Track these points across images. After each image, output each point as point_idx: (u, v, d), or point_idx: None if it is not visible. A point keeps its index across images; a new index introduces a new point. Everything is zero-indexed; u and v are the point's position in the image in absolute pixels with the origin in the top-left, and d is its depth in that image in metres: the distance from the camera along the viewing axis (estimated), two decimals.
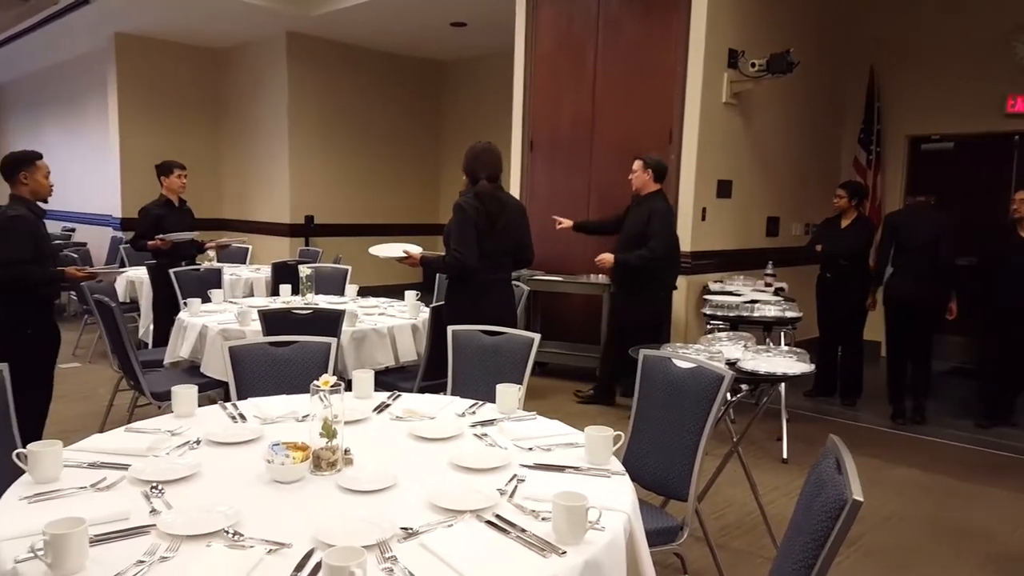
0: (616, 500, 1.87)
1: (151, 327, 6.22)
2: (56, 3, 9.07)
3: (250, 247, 8.43)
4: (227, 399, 2.87)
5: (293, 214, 10.34)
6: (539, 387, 5.92)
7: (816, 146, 7.62)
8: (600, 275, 6.02)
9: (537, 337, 3.29)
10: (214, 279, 5.89)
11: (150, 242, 5.80)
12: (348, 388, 2.39)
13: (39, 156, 3.90)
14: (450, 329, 3.43)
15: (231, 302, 5.17)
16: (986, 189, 7.21)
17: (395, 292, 5.68)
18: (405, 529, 1.66)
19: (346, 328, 4.14)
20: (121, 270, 5.42)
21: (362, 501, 1.85)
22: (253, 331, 4.12)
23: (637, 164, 5.45)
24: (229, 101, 11.15)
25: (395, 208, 11.32)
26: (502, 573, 1.52)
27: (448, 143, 11.53)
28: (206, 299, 5.04)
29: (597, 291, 6.19)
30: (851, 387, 5.89)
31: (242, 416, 2.53)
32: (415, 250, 4.21)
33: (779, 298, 5.56)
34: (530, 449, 2.25)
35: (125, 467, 2.00)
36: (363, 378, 2.81)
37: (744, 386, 3.72)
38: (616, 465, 2.12)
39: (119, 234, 10.12)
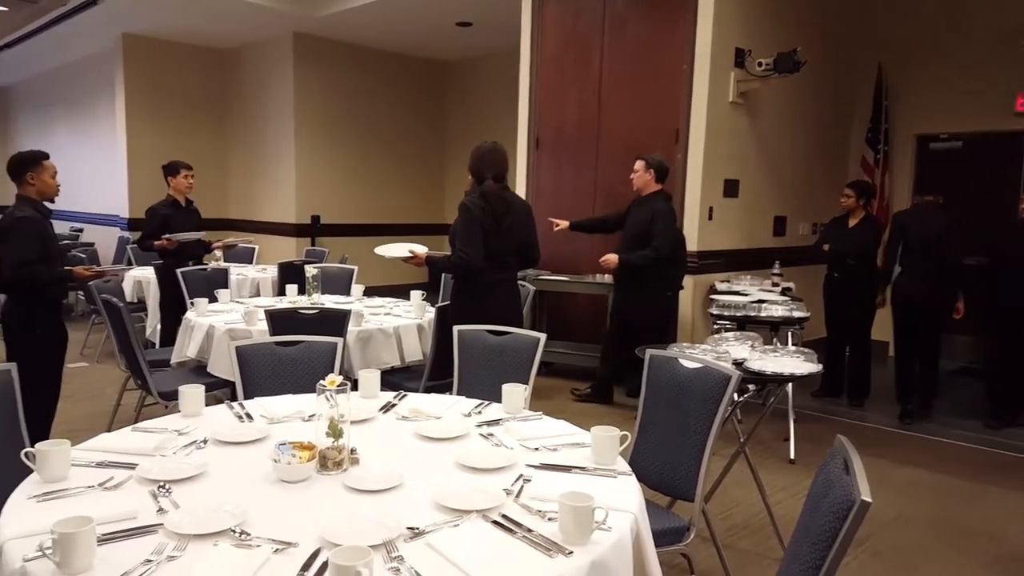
0: (623, 500, 1.86)
1: (158, 327, 6.23)
2: (65, 4, 9.11)
3: (256, 247, 8.44)
4: (234, 399, 2.88)
5: (299, 214, 10.36)
6: (545, 387, 5.92)
7: (823, 145, 7.59)
8: (606, 275, 6.01)
9: (543, 337, 3.28)
10: (221, 279, 5.90)
11: (157, 242, 5.82)
12: (354, 388, 2.39)
13: (46, 156, 3.90)
14: (456, 329, 3.43)
15: (238, 302, 5.17)
16: (995, 188, 7.18)
17: (401, 292, 5.68)
18: (411, 529, 1.66)
19: (352, 328, 4.14)
20: (128, 268, 5.44)
21: (368, 501, 1.85)
22: (259, 331, 4.13)
23: (639, 164, 5.45)
24: (236, 101, 11.18)
25: (401, 208, 11.34)
26: (508, 573, 1.52)
27: (454, 143, 11.54)
28: (213, 299, 5.05)
29: (603, 291, 6.18)
30: (858, 387, 5.87)
31: (249, 416, 2.53)
32: (421, 250, 4.22)
33: (786, 298, 5.54)
34: (536, 449, 2.24)
35: (132, 466, 2.01)
36: (369, 378, 2.81)
37: (751, 386, 3.71)
38: (623, 465, 2.12)
39: (126, 234, 10.17)
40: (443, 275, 5.79)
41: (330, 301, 5.02)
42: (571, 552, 1.58)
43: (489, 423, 2.50)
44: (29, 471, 1.92)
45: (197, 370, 4.44)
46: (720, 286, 6.01)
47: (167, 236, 5.78)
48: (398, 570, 1.49)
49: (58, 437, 2.01)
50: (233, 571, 1.48)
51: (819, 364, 3.47)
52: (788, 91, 6.63)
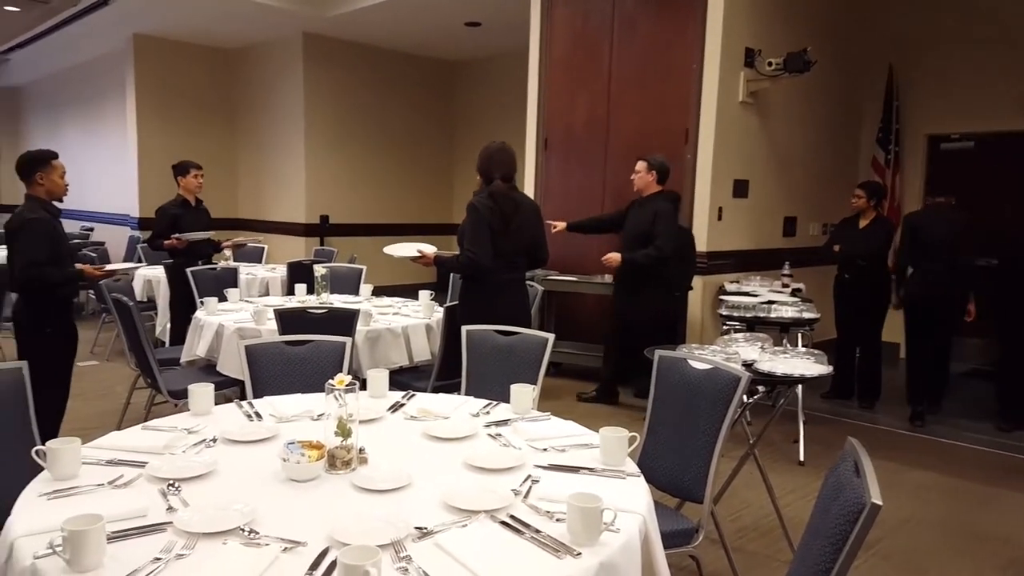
0: (631, 502, 1.86)
1: (168, 326, 6.26)
2: (76, 4, 9.15)
3: (266, 247, 8.47)
4: (243, 397, 2.88)
5: (308, 214, 10.39)
6: (553, 387, 5.92)
7: (834, 145, 7.56)
8: (607, 275, 6.00)
9: (551, 337, 3.28)
10: (230, 278, 5.92)
11: (167, 241, 5.84)
12: (363, 387, 2.39)
13: (55, 155, 3.90)
14: (464, 329, 3.43)
15: (247, 301, 5.19)
16: (1006, 189, 7.14)
17: (409, 292, 5.69)
18: (419, 529, 1.66)
19: (361, 327, 4.15)
20: (138, 266, 5.46)
21: (377, 500, 1.85)
22: (269, 330, 4.14)
23: (641, 165, 5.44)
24: (245, 101, 11.21)
25: (409, 208, 11.35)
26: (516, 574, 1.52)
27: (462, 143, 11.55)
28: (222, 298, 5.06)
29: (612, 292, 6.17)
30: (869, 389, 5.84)
31: (258, 415, 2.54)
32: (429, 249, 4.22)
33: (796, 299, 5.53)
34: (544, 450, 2.24)
35: (142, 465, 2.02)
36: (378, 377, 2.82)
37: (761, 388, 3.70)
38: (631, 466, 2.11)
39: (136, 233, 10.21)
40: (451, 275, 5.79)
41: (339, 301, 5.03)
42: (579, 553, 1.57)
43: (497, 423, 2.50)
44: (40, 469, 1.93)
45: (207, 369, 4.46)
46: (730, 287, 5.99)
47: (177, 235, 5.81)
48: (406, 570, 1.49)
49: (68, 435, 2.02)
50: (242, 570, 1.48)
51: (829, 366, 3.46)
52: (798, 91, 6.61)
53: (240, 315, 4.57)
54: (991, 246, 5.83)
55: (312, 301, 4.90)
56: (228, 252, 6.49)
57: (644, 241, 5.29)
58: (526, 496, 1.88)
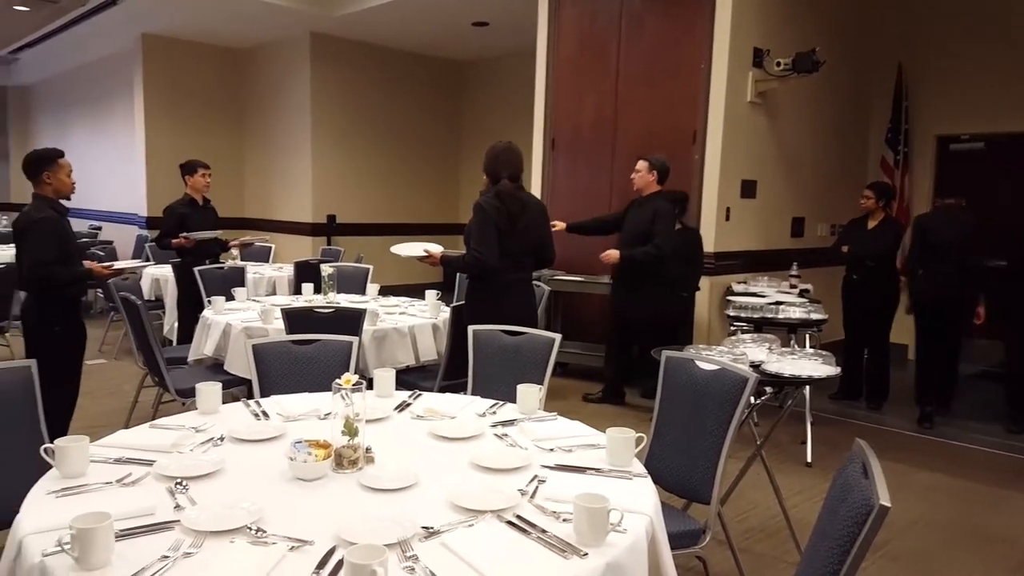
0: (638, 502, 1.85)
1: (176, 324, 6.28)
2: (84, 4, 9.19)
3: (273, 246, 8.49)
4: (250, 396, 2.89)
5: (315, 213, 10.40)
6: (559, 388, 5.92)
7: (842, 146, 7.54)
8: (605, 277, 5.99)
9: (558, 337, 3.28)
10: (238, 277, 5.94)
11: (174, 240, 5.85)
12: (369, 387, 2.39)
13: (61, 154, 3.90)
14: (471, 329, 3.43)
15: (254, 300, 5.20)
16: (1017, 190, 7.11)
17: (416, 291, 5.69)
18: (426, 528, 1.66)
19: (367, 327, 4.15)
20: (146, 264, 5.48)
21: (383, 499, 1.85)
22: (276, 329, 4.15)
23: (642, 164, 5.44)
24: (253, 101, 11.24)
25: (416, 207, 11.36)
26: (523, 573, 1.52)
27: (469, 143, 11.56)
28: (230, 297, 5.08)
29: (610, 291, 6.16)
30: (877, 390, 5.82)
31: (265, 414, 2.54)
32: (436, 249, 4.22)
33: (804, 300, 5.51)
34: (551, 450, 2.24)
35: (150, 463, 2.02)
36: (384, 377, 2.82)
37: (768, 389, 3.69)
38: (638, 467, 2.11)
39: (144, 232, 10.24)
40: (458, 275, 5.79)
41: (345, 300, 5.03)
42: (586, 554, 1.57)
43: (504, 423, 2.50)
44: (48, 467, 1.94)
45: (214, 368, 4.46)
46: (737, 287, 5.98)
47: (184, 234, 5.82)
48: (413, 569, 1.49)
49: (77, 433, 2.03)
50: (249, 568, 1.49)
51: (837, 367, 3.44)
52: (807, 91, 6.59)
53: (247, 314, 4.58)
54: (1000, 247, 5.80)
55: (319, 300, 4.91)
56: (235, 251, 6.51)
57: (643, 240, 5.30)
58: (532, 496, 1.87)
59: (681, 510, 2.74)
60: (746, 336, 3.94)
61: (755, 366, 3.30)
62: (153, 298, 6.88)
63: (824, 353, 3.61)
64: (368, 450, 2.08)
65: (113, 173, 11.98)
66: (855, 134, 7.77)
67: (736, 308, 5.25)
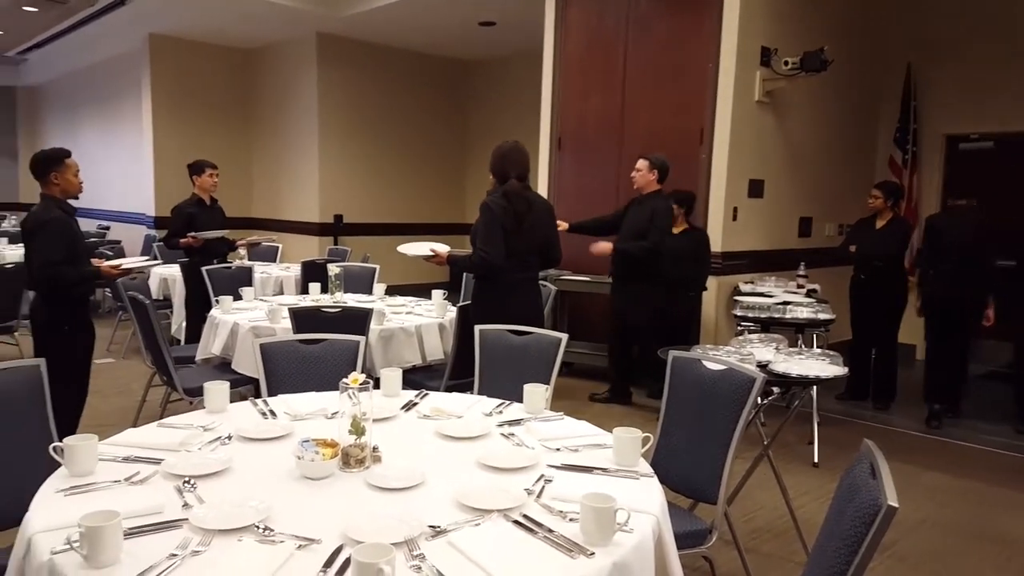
0: (645, 502, 1.85)
1: (183, 324, 6.29)
2: (92, 4, 9.22)
3: (280, 246, 8.51)
4: (258, 396, 2.90)
5: (322, 213, 10.42)
6: (566, 387, 5.91)
7: (850, 145, 7.52)
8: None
9: (564, 337, 3.28)
10: (245, 277, 5.95)
11: (182, 240, 5.87)
12: (376, 386, 2.40)
13: (68, 154, 3.90)
14: (477, 328, 3.43)
15: (262, 300, 5.22)
16: None
17: (422, 291, 5.70)
18: (433, 527, 1.66)
19: (374, 327, 4.16)
20: (154, 263, 5.49)
21: (390, 498, 1.85)
22: (283, 328, 4.16)
23: (642, 163, 5.43)
24: (260, 101, 11.27)
25: (423, 207, 11.37)
26: (530, 573, 1.52)
27: (475, 142, 11.56)
28: (237, 297, 5.09)
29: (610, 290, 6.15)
30: (884, 391, 5.80)
31: (272, 413, 2.55)
32: (442, 249, 4.23)
33: (811, 300, 5.50)
34: (558, 449, 2.24)
35: (158, 461, 2.03)
36: (391, 376, 2.82)
37: (775, 389, 3.68)
38: (645, 467, 2.11)
39: (152, 232, 10.28)
40: (464, 274, 5.79)
41: (352, 300, 5.05)
42: (593, 553, 1.57)
43: (510, 423, 2.50)
44: (57, 465, 1.95)
45: (222, 367, 4.48)
46: (744, 287, 5.97)
47: (192, 234, 5.84)
48: (419, 568, 1.49)
49: (85, 432, 2.03)
50: (256, 566, 1.49)
51: (844, 367, 3.43)
52: (815, 90, 6.57)
53: (255, 314, 4.60)
54: (1010, 248, 5.79)
55: (326, 300, 4.92)
56: (243, 251, 6.52)
57: (641, 238, 5.32)
58: (539, 496, 1.88)
59: (688, 510, 2.74)
60: (753, 336, 3.94)
61: (762, 366, 3.30)
62: (161, 297, 6.91)
63: (831, 353, 3.60)
64: (375, 449, 2.08)
65: (121, 173, 12.02)
66: (863, 133, 7.74)
67: (743, 308, 5.24)
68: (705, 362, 2.75)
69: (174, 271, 6.67)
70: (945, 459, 4.83)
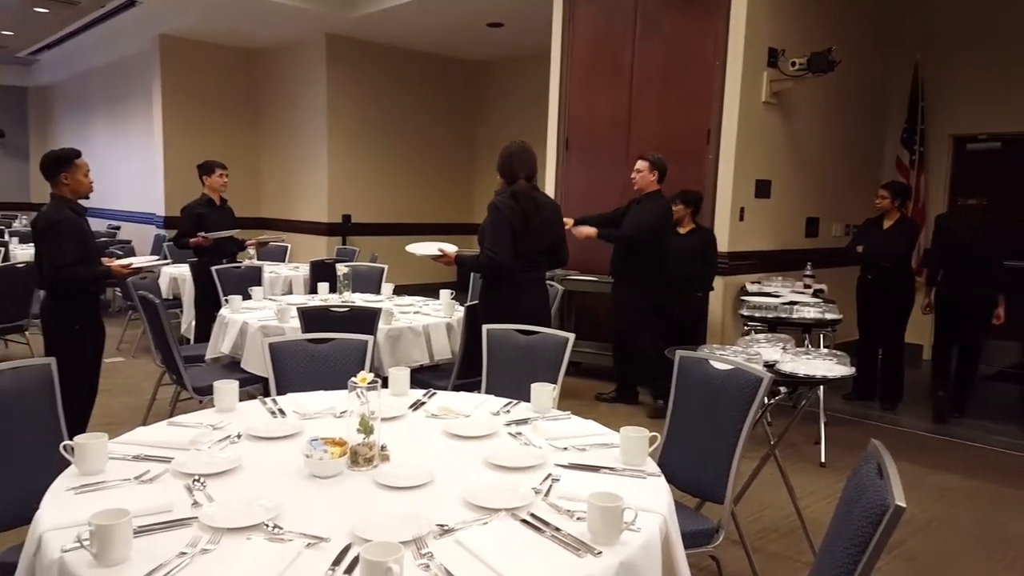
0: (652, 501, 1.86)
1: (193, 323, 6.32)
2: (103, 6, 9.27)
3: (289, 246, 8.54)
4: (267, 394, 2.91)
5: (331, 213, 10.44)
6: (573, 387, 5.92)
7: (857, 146, 7.50)
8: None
9: (572, 337, 3.28)
10: (254, 277, 5.97)
11: (192, 240, 5.90)
12: (384, 385, 2.41)
13: (78, 154, 3.91)
14: (485, 328, 3.44)
15: (271, 299, 5.24)
16: None
17: (430, 291, 5.70)
18: (441, 526, 1.67)
19: (382, 326, 4.17)
20: (164, 262, 5.51)
21: (398, 497, 1.86)
22: (292, 328, 4.17)
23: (643, 164, 5.44)
24: (269, 102, 11.30)
25: (431, 207, 11.38)
26: (537, 571, 1.52)
27: (483, 143, 11.56)
28: (246, 296, 5.11)
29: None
30: (891, 391, 5.79)
31: (281, 411, 2.56)
32: (450, 249, 4.24)
33: (818, 300, 5.49)
34: (565, 449, 2.24)
35: (168, 460, 2.04)
36: (399, 375, 2.83)
37: (782, 389, 3.68)
38: (652, 466, 2.11)
39: (162, 232, 10.32)
40: (472, 274, 5.80)
41: (361, 299, 5.06)
42: (600, 552, 1.58)
43: (518, 422, 2.50)
44: (68, 464, 1.96)
45: (231, 366, 4.50)
46: (751, 287, 5.96)
47: (203, 234, 5.86)
48: (427, 567, 1.50)
49: (95, 431, 2.05)
50: (265, 565, 1.50)
51: (851, 367, 3.43)
52: (822, 91, 6.56)
53: (264, 313, 4.61)
54: (1018, 248, 5.76)
55: (334, 300, 4.93)
56: (252, 250, 6.55)
57: (641, 242, 5.33)
58: (547, 495, 1.88)
59: (694, 509, 2.74)
60: (760, 336, 3.93)
61: (769, 366, 3.30)
62: (171, 297, 6.94)
63: (839, 353, 3.60)
64: (383, 448, 2.09)
65: (131, 173, 12.08)
66: (870, 134, 7.72)
67: (750, 308, 5.23)
68: (712, 362, 2.75)
69: (184, 270, 6.70)
70: (953, 459, 4.82)
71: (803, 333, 5.32)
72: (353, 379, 2.05)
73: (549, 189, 6.91)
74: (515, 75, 10.96)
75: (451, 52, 11.03)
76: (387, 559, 1.38)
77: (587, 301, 6.67)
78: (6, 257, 7.72)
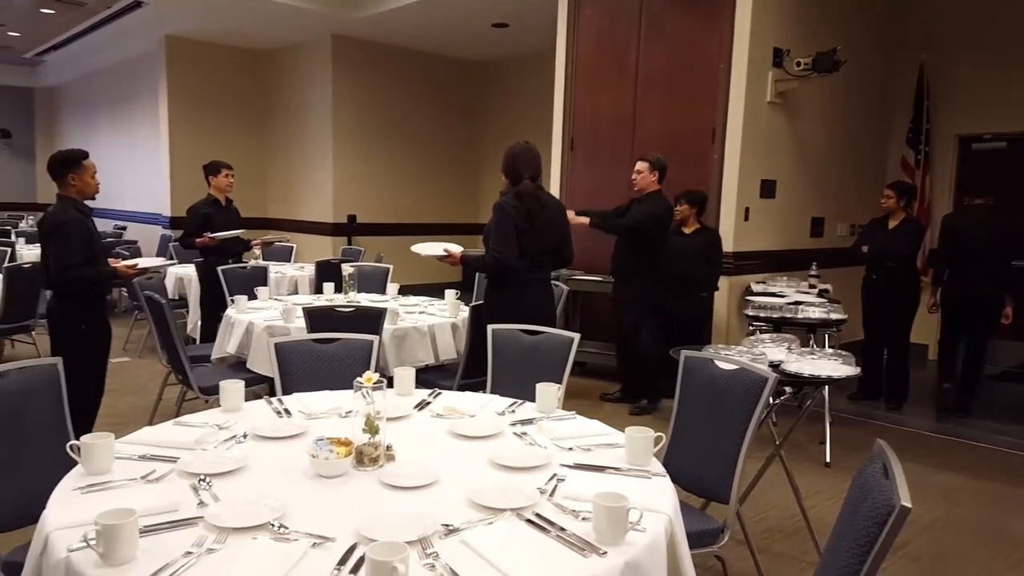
0: (657, 501, 1.86)
1: (199, 323, 6.33)
2: (109, 7, 9.30)
3: (294, 246, 8.55)
4: (272, 394, 2.92)
5: (336, 213, 10.46)
6: (578, 387, 5.91)
7: (862, 145, 7.48)
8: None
9: (577, 337, 3.28)
10: (260, 277, 5.98)
11: (198, 240, 5.91)
12: (390, 385, 2.41)
13: (85, 155, 3.92)
14: (490, 328, 3.44)
15: (276, 299, 5.25)
16: None
17: (435, 291, 5.71)
18: (446, 526, 1.67)
19: (387, 326, 4.18)
20: (170, 263, 5.52)
21: (404, 497, 1.87)
22: (297, 328, 4.18)
23: (643, 165, 5.45)
24: (275, 102, 11.32)
25: (436, 208, 11.39)
26: (542, 572, 1.52)
27: (488, 143, 11.56)
28: (252, 296, 5.12)
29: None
30: (897, 391, 5.78)
31: (287, 411, 2.57)
32: (456, 249, 4.24)
33: (823, 300, 5.48)
34: (570, 449, 2.24)
35: (174, 460, 2.04)
36: (404, 375, 2.83)
37: (787, 389, 3.68)
38: (657, 466, 2.11)
39: (168, 232, 10.35)
40: (477, 274, 5.81)
41: (366, 299, 5.07)
42: (605, 552, 1.58)
43: (523, 422, 2.51)
44: (74, 463, 1.97)
45: (237, 366, 4.51)
46: (756, 287, 5.95)
47: (209, 234, 5.88)
48: (433, 566, 1.50)
49: (101, 430, 2.05)
50: (271, 564, 1.50)
51: (856, 367, 3.43)
52: (827, 91, 6.55)
53: (269, 313, 4.62)
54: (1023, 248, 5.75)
55: (340, 300, 4.94)
56: (258, 250, 6.56)
57: (641, 237, 5.37)
58: (552, 495, 1.88)
59: (699, 509, 2.74)
60: (765, 336, 3.93)
61: (774, 366, 3.30)
62: (177, 297, 6.95)
63: (844, 353, 3.59)
64: (389, 448, 2.09)
65: (137, 174, 12.11)
66: (875, 134, 7.70)
67: (755, 308, 5.23)
68: (717, 362, 2.75)
69: (189, 271, 6.72)
70: (958, 459, 4.81)
71: (808, 333, 5.32)
72: (359, 379, 2.05)
73: (554, 189, 6.91)
74: (520, 75, 10.96)
75: (456, 52, 11.04)
76: (392, 559, 1.38)
77: (592, 301, 6.67)
78: (13, 257, 7.75)
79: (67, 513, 1.71)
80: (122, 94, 12.60)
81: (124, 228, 11.63)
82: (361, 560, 1.49)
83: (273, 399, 2.71)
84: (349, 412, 2.45)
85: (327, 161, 10.40)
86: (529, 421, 2.51)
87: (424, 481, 1.93)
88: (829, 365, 3.40)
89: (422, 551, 1.56)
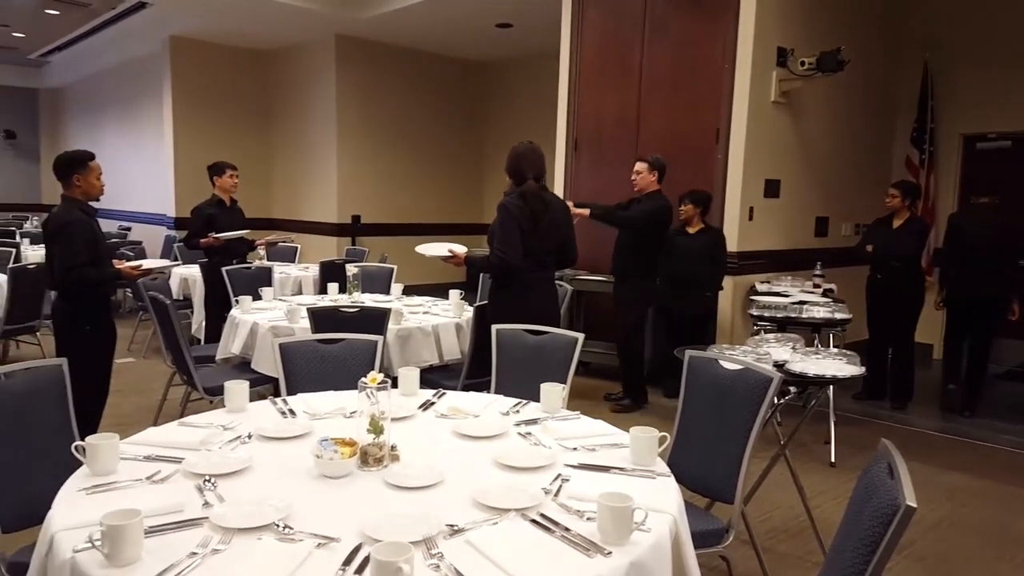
0: (662, 501, 1.86)
1: (203, 323, 6.35)
2: (114, 7, 9.32)
3: (299, 246, 8.56)
4: (277, 395, 2.92)
5: (340, 214, 10.47)
6: (582, 387, 5.91)
7: (867, 145, 7.47)
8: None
9: (581, 337, 3.28)
10: (264, 277, 5.99)
11: (203, 240, 5.91)
12: (394, 385, 2.41)
13: (91, 156, 3.92)
14: (494, 328, 3.44)
15: (281, 300, 5.25)
16: None
17: (439, 291, 5.71)
18: (451, 526, 1.67)
19: (392, 326, 4.18)
20: (174, 264, 5.53)
21: (408, 497, 1.87)
22: (302, 328, 4.19)
23: (642, 166, 5.46)
24: (279, 103, 11.34)
25: (440, 208, 11.40)
26: (547, 572, 1.52)
27: (493, 143, 11.57)
28: (257, 297, 5.12)
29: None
30: (901, 390, 5.77)
31: (292, 412, 2.57)
32: (460, 249, 4.24)
33: (828, 299, 5.47)
34: (575, 449, 2.24)
35: (179, 460, 2.05)
36: (409, 376, 2.84)
37: (792, 388, 3.67)
38: (661, 466, 2.11)
39: (173, 233, 10.36)
40: (481, 275, 5.81)
41: (370, 300, 5.07)
42: (610, 552, 1.58)
43: (527, 422, 2.51)
44: (79, 464, 1.97)
45: (241, 366, 4.51)
46: (760, 287, 5.94)
47: (213, 235, 5.88)
48: (438, 567, 1.50)
49: (106, 431, 2.06)
50: (276, 565, 1.51)
51: (861, 367, 3.42)
52: (831, 90, 6.54)
53: (274, 313, 4.63)
54: None
55: (344, 300, 4.94)
56: (262, 251, 6.56)
57: (641, 236, 5.38)
58: (556, 495, 1.88)
59: (704, 509, 2.74)
60: (770, 336, 3.93)
61: (779, 366, 3.29)
62: (181, 297, 6.96)
63: (848, 353, 3.59)
64: (393, 448, 2.10)
65: (142, 174, 12.14)
66: (880, 133, 7.68)
67: (760, 308, 5.22)
68: (722, 362, 2.75)
69: (194, 271, 6.73)
70: (963, 459, 4.79)
71: (813, 333, 5.30)
72: (363, 379, 2.05)
73: (558, 189, 6.91)
74: (524, 76, 10.96)
75: (460, 53, 11.04)
76: (397, 559, 1.38)
77: (596, 301, 6.66)
78: (17, 258, 7.77)
79: (72, 514, 1.71)
80: (126, 95, 12.63)
81: (129, 229, 11.65)
82: (366, 560, 1.50)
83: (278, 399, 2.72)
84: (353, 412, 2.45)
85: (331, 161, 10.42)
86: (533, 421, 2.51)
87: (428, 481, 1.93)
88: (834, 365, 3.39)
89: (427, 551, 1.56)
